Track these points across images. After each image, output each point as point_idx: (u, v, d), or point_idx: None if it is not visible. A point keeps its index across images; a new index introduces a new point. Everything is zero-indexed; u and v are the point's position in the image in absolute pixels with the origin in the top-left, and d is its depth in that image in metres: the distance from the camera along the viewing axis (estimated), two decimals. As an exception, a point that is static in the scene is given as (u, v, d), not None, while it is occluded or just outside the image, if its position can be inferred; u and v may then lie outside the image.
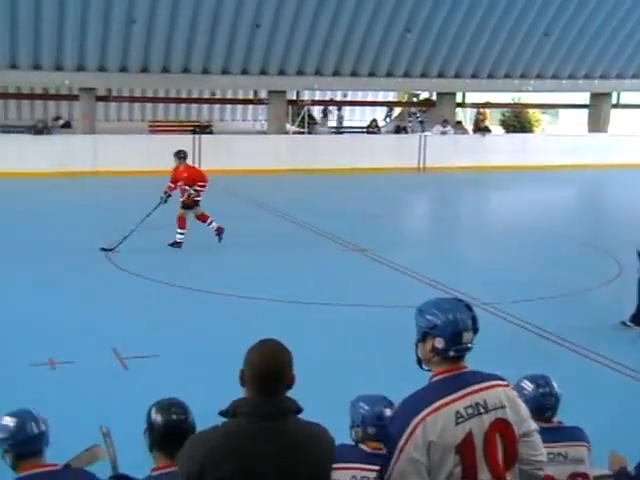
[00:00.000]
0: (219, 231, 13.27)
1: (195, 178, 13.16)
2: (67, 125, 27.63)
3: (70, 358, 7.89)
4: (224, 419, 2.74)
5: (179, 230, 13.07)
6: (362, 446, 3.77)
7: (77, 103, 24.30)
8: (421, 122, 29.53)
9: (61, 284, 10.94)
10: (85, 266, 11.92)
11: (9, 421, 3.45)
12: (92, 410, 6.51)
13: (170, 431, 3.29)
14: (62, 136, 23.39)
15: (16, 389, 6.92)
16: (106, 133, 23.27)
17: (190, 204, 13.12)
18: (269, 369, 2.67)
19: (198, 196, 13.11)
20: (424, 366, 3.04)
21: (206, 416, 3.07)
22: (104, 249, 12.53)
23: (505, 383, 3.05)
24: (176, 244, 13.05)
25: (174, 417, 3.34)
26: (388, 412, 3.71)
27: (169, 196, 13.19)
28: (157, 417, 3.34)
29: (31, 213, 15.88)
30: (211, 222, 13.30)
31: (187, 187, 13.05)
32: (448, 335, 2.92)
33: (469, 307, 3.04)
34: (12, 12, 20.30)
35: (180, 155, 13.36)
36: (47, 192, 18.72)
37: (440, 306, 3.01)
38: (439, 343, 2.93)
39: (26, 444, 3.41)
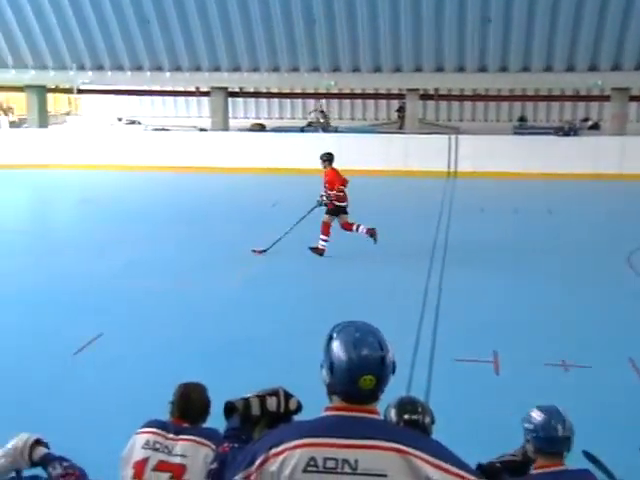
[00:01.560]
0: (371, 233, 12.32)
1: (334, 182, 12.30)
2: (595, 126, 27.26)
3: (587, 363, 7.67)
4: None
5: (322, 237, 12.34)
6: None
7: (608, 104, 23.81)
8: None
9: (577, 286, 10.74)
10: (603, 269, 11.61)
11: (538, 416, 3.52)
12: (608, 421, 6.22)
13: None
14: (589, 137, 23.14)
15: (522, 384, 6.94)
16: (636, 135, 22.33)
17: (335, 210, 12.33)
18: None
19: (340, 201, 12.23)
20: None
21: None
22: (255, 251, 12.20)
23: None
24: (317, 250, 12.26)
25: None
26: None
27: (321, 202, 12.44)
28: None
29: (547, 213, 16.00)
30: (358, 227, 12.40)
31: (329, 192, 12.32)
32: None
33: None
34: (552, 18, 20.71)
35: (323, 158, 12.54)
36: (576, 192, 18.77)
37: None
38: None
39: (549, 443, 3.46)
